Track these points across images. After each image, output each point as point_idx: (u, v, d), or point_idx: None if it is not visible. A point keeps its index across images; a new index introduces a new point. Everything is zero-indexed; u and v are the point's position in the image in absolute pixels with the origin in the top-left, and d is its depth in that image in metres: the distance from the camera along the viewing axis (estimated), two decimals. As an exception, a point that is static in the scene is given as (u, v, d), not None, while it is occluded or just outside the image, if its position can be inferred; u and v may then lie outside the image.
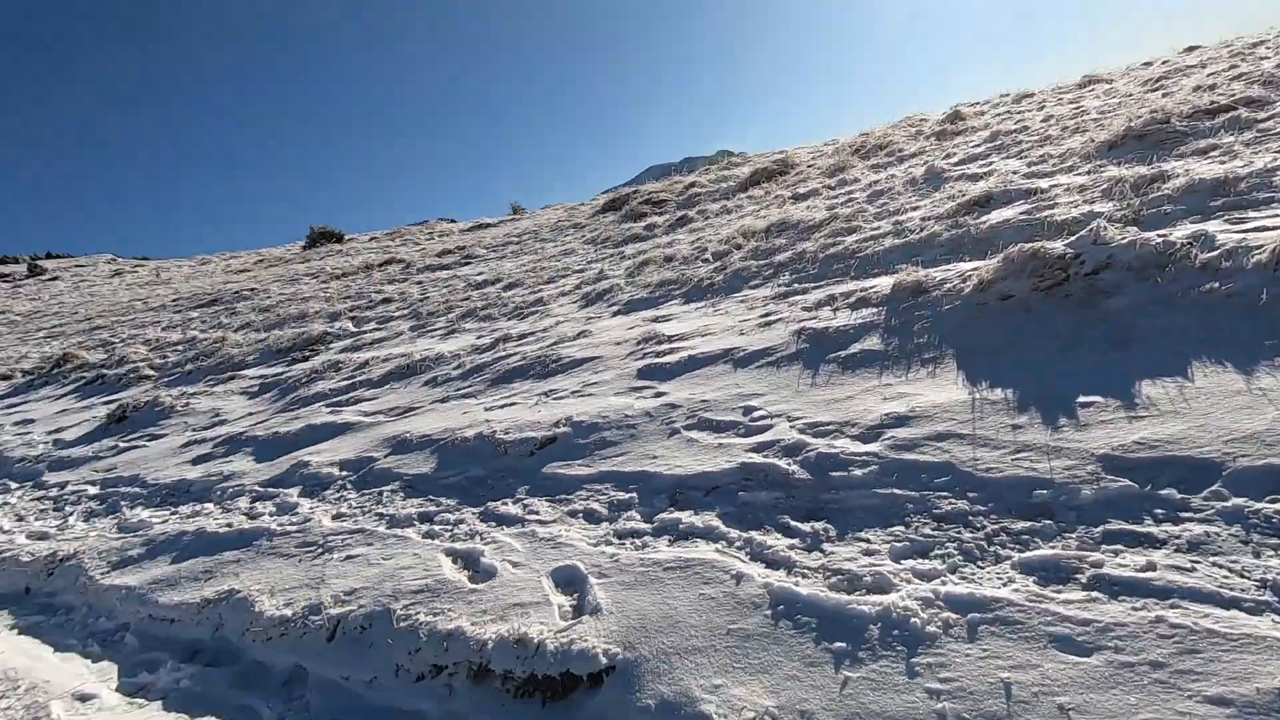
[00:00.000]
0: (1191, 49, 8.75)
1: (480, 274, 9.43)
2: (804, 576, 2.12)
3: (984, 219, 4.57)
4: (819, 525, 2.35)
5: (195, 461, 4.83)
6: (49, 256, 37.72)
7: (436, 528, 3.01)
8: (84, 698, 2.49)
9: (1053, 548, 1.95)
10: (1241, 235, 3.09)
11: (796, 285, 4.81)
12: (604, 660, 1.99)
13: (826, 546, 2.24)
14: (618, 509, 2.80)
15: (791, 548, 2.28)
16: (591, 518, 2.79)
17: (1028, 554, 1.95)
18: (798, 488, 2.58)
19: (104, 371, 8.62)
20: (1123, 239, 3.24)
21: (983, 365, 2.97)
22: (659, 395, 3.67)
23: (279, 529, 3.33)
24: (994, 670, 1.62)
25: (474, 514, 3.06)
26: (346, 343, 7.44)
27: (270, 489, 3.96)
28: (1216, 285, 2.84)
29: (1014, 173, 5.44)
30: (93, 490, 4.74)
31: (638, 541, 2.53)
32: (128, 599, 3.12)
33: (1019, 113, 8.16)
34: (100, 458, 5.43)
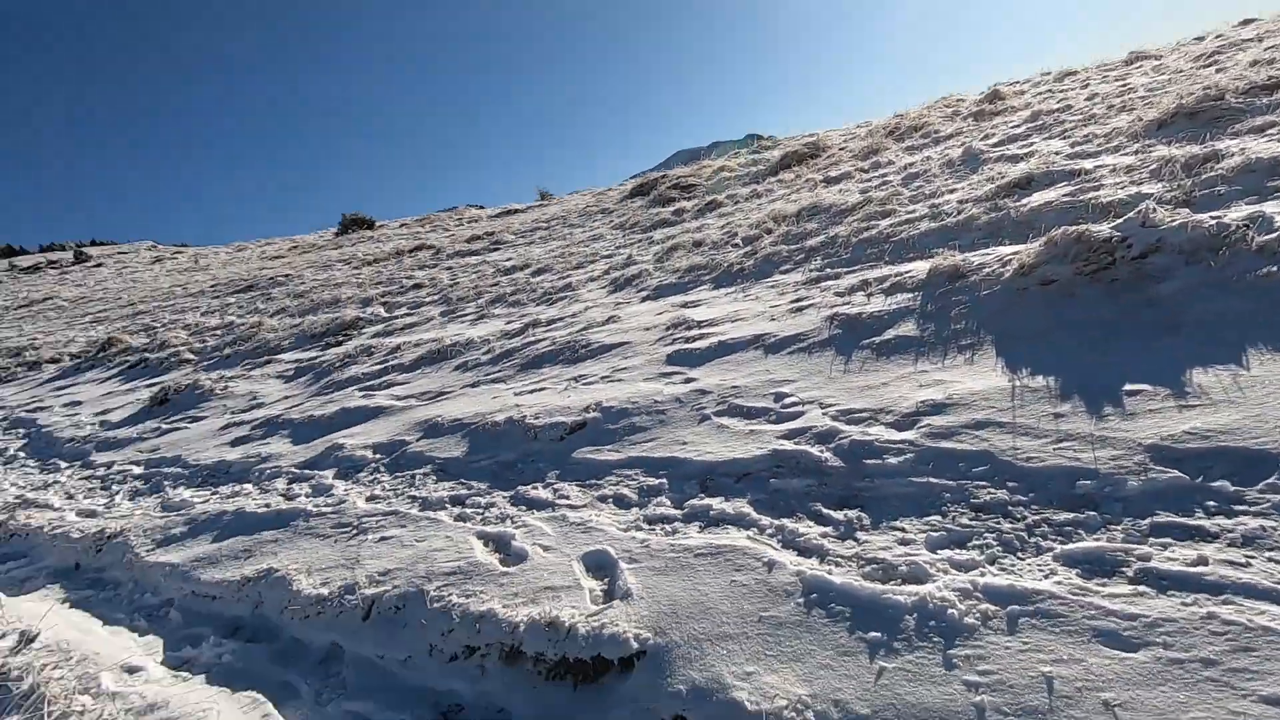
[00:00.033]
0: (1247, 22, 8.35)
1: (509, 260, 9.46)
2: (837, 565, 2.10)
3: (1024, 201, 4.43)
4: (852, 513, 2.32)
5: (234, 443, 4.95)
6: (93, 244, 38.89)
7: (468, 511, 3.05)
8: (131, 670, 2.58)
9: (1097, 540, 1.89)
10: (1302, 217, 2.95)
11: (829, 270, 4.73)
12: (635, 645, 1.99)
13: (860, 535, 2.21)
14: (648, 495, 2.79)
15: (824, 536, 2.25)
16: (621, 503, 2.79)
17: (1071, 546, 1.90)
18: (830, 475, 2.54)
19: (147, 355, 8.87)
20: (1173, 221, 3.11)
21: (1023, 352, 2.89)
22: (689, 381, 3.65)
23: (315, 510, 3.39)
24: (1035, 664, 1.58)
25: (505, 498, 3.09)
26: (378, 328, 7.54)
27: (306, 471, 4.04)
28: (1274, 269, 2.71)
29: (1056, 153, 5.26)
30: (137, 470, 4.89)
31: (668, 527, 2.53)
32: (171, 576, 3.22)
33: (1061, 91, 7.89)
34: (144, 439, 5.59)
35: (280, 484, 3.95)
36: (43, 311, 16.60)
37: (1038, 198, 4.41)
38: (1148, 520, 1.91)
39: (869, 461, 2.52)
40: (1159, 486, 2.00)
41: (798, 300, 4.32)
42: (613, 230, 9.67)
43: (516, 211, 16.70)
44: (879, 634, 1.79)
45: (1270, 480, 1.89)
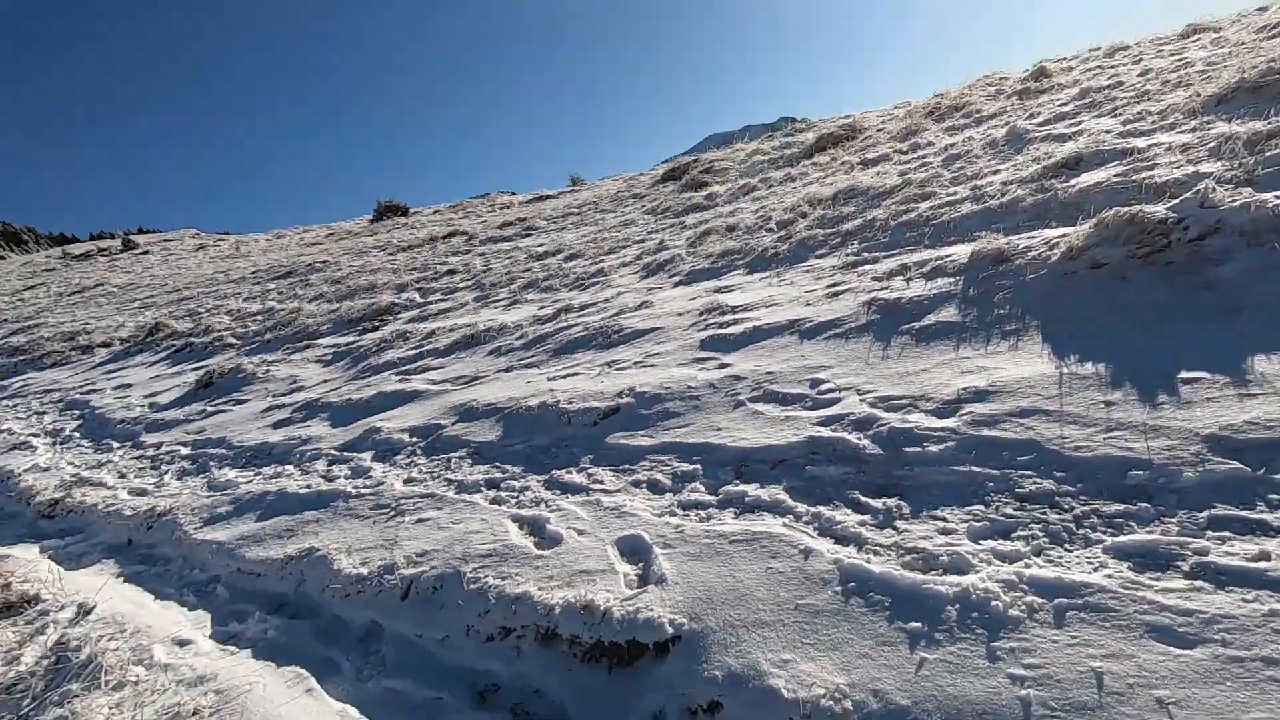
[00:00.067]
0: (1316, -10, 7.89)
1: (541, 245, 9.49)
2: (876, 554, 2.06)
3: (1073, 182, 4.27)
4: (891, 502, 2.27)
5: (276, 426, 5.07)
6: (140, 232, 40.11)
7: (503, 494, 3.07)
8: (182, 643, 2.67)
9: (1150, 533, 1.83)
10: (1377, 195, 2.79)
11: (866, 254, 4.63)
12: (670, 630, 1.99)
13: (899, 524, 2.17)
14: (681, 480, 2.78)
15: (862, 524, 2.21)
16: (655, 488, 2.79)
17: (1122, 538, 1.84)
18: (868, 463, 2.50)
19: (192, 340, 9.13)
20: (1234, 201, 2.97)
21: (1071, 338, 2.80)
22: (723, 367, 3.62)
23: (354, 491, 3.46)
24: (1084, 659, 1.54)
25: (539, 482, 3.10)
26: (413, 313, 7.63)
27: (345, 453, 4.12)
28: (1345, 251, 2.57)
29: (1107, 132, 5.06)
30: (184, 451, 5.05)
31: (702, 513, 2.52)
32: (218, 553, 3.32)
33: (1112, 68, 7.57)
34: (190, 420, 5.77)
35: (320, 465, 4.04)
36: (94, 297, 17.20)
37: (1087, 178, 4.25)
38: (1205, 513, 1.83)
39: (909, 449, 2.47)
40: (1217, 478, 1.92)
41: (834, 285, 4.24)
42: (644, 215, 9.61)
43: (548, 197, 16.72)
44: (919, 624, 1.76)
45: (1339, 473, 1.80)
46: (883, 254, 4.51)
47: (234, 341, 8.59)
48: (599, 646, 2.10)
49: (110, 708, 2.21)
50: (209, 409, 5.96)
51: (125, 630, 2.72)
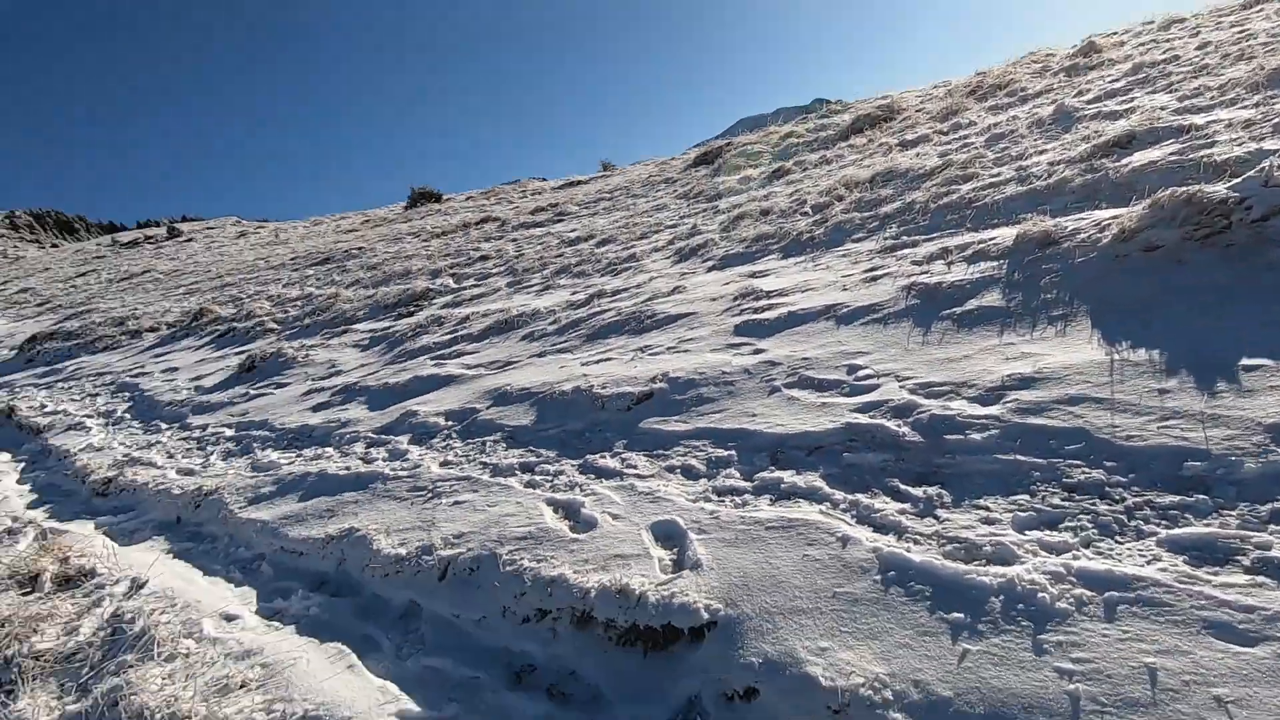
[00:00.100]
0: (1393, -46, 7.42)
1: (573, 231, 9.49)
2: (916, 543, 2.02)
3: (1125, 161, 4.11)
4: (932, 490, 2.23)
5: (315, 409, 5.18)
6: (184, 220, 41.24)
7: (537, 478, 3.10)
8: (229, 617, 2.76)
9: (1208, 525, 1.76)
10: None
11: (905, 238, 4.53)
12: (705, 615, 1.98)
13: (940, 513, 2.13)
14: (716, 466, 2.76)
15: (902, 512, 2.17)
16: (690, 474, 2.78)
17: (1177, 531, 1.77)
18: (908, 450, 2.45)
19: (234, 325, 9.37)
20: (1302, 179, 2.81)
21: (1123, 323, 2.70)
22: (757, 352, 3.58)
23: (392, 473, 3.52)
24: (1136, 654, 1.49)
25: (573, 466, 3.12)
26: (448, 299, 7.71)
27: (383, 436, 4.19)
28: None
29: (1162, 109, 4.85)
30: (229, 432, 5.19)
31: (737, 499, 2.50)
32: (262, 532, 3.41)
33: (1166, 41, 7.24)
34: (234, 403, 5.92)
35: (359, 448, 4.11)
36: (141, 284, 17.76)
37: (1140, 157, 4.08)
38: (1267, 506, 1.76)
39: (950, 437, 2.41)
40: (1281, 470, 1.83)
41: (872, 269, 4.16)
42: (676, 200, 9.54)
43: (579, 183, 16.70)
44: (961, 615, 1.73)
45: None
46: (922, 237, 4.41)
47: (274, 326, 8.79)
48: (634, 630, 2.10)
49: (163, 678, 2.29)
50: (251, 392, 6.12)
51: (176, 604, 2.82)
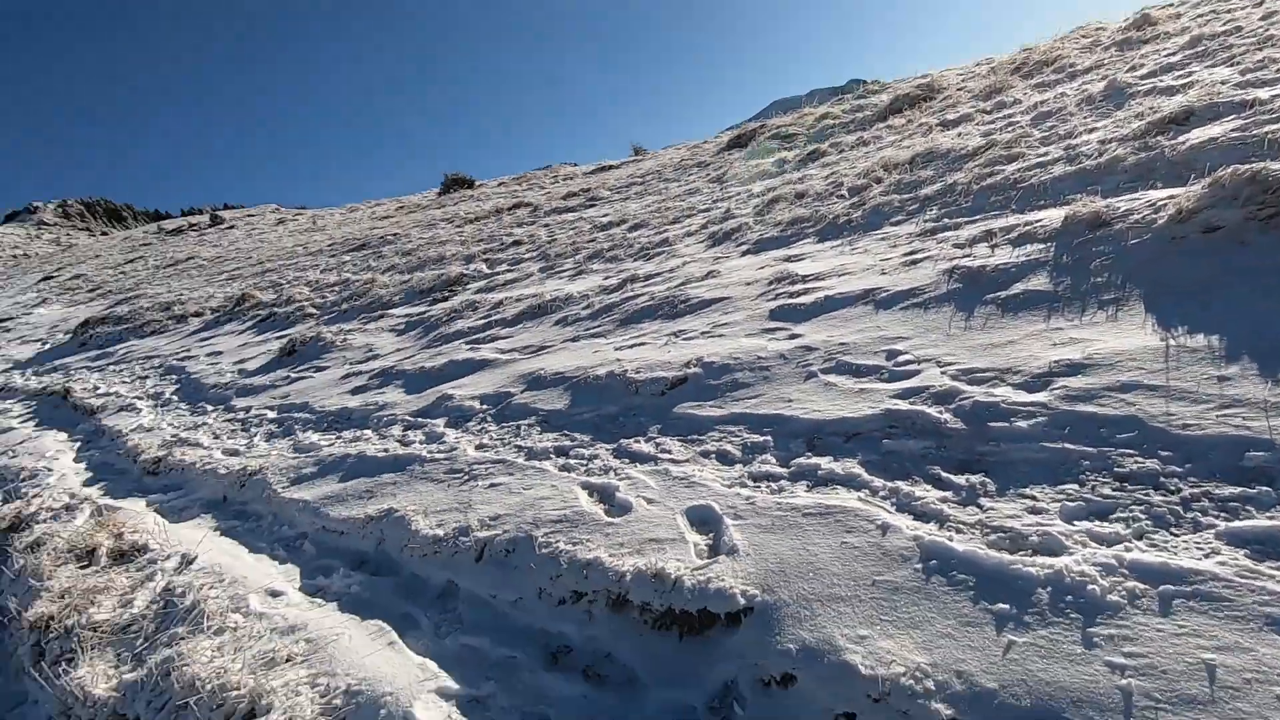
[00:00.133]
0: None
1: (605, 215, 9.46)
2: (958, 531, 1.98)
3: (1182, 139, 3.93)
4: (975, 478, 2.17)
5: (354, 392, 5.28)
6: (226, 208, 42.26)
7: (572, 461, 3.11)
8: (274, 593, 2.84)
9: (1271, 518, 1.68)
10: None
11: (946, 220, 4.41)
12: (742, 601, 1.97)
13: (984, 502, 2.07)
14: (751, 451, 2.74)
15: (944, 500, 2.13)
16: (725, 459, 2.76)
17: (1238, 524, 1.70)
18: (950, 438, 2.39)
19: (275, 310, 9.59)
20: (1379, 155, 2.66)
21: (1179, 307, 2.59)
22: (793, 337, 3.53)
23: (429, 456, 3.57)
24: (1193, 650, 1.44)
25: (607, 450, 3.12)
26: (481, 284, 7.77)
27: (419, 419, 4.25)
28: None
29: (1222, 83, 4.61)
30: (271, 414, 5.32)
31: (773, 485, 2.47)
32: (304, 511, 3.49)
33: (1228, 11, 6.88)
34: (276, 386, 6.07)
35: (396, 431, 4.18)
36: (186, 270, 18.27)
37: (1198, 134, 3.89)
38: (1337, 499, 1.67)
39: (994, 424, 2.35)
40: (1352, 461, 1.74)
41: (911, 253, 4.06)
42: (709, 184, 9.44)
43: (611, 168, 16.64)
44: (1007, 606, 1.69)
45: None
46: (965, 220, 4.28)
47: (313, 311, 8.97)
48: (670, 614, 2.11)
49: (213, 651, 2.37)
50: (292, 375, 6.26)
51: (223, 580, 2.91)
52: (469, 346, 5.51)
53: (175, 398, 6.71)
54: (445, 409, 4.26)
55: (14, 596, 3.22)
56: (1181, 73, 5.37)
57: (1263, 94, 4.08)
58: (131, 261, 23.25)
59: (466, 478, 3.23)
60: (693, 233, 6.86)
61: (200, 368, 7.59)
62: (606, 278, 6.20)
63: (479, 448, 3.54)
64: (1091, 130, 4.83)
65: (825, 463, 2.48)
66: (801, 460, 2.55)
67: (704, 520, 2.41)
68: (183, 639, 2.47)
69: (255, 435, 4.95)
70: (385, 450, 3.85)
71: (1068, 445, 2.15)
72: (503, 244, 9.65)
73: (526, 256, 8.48)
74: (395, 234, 14.23)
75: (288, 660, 2.29)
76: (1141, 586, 1.61)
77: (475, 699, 2.07)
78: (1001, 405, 2.41)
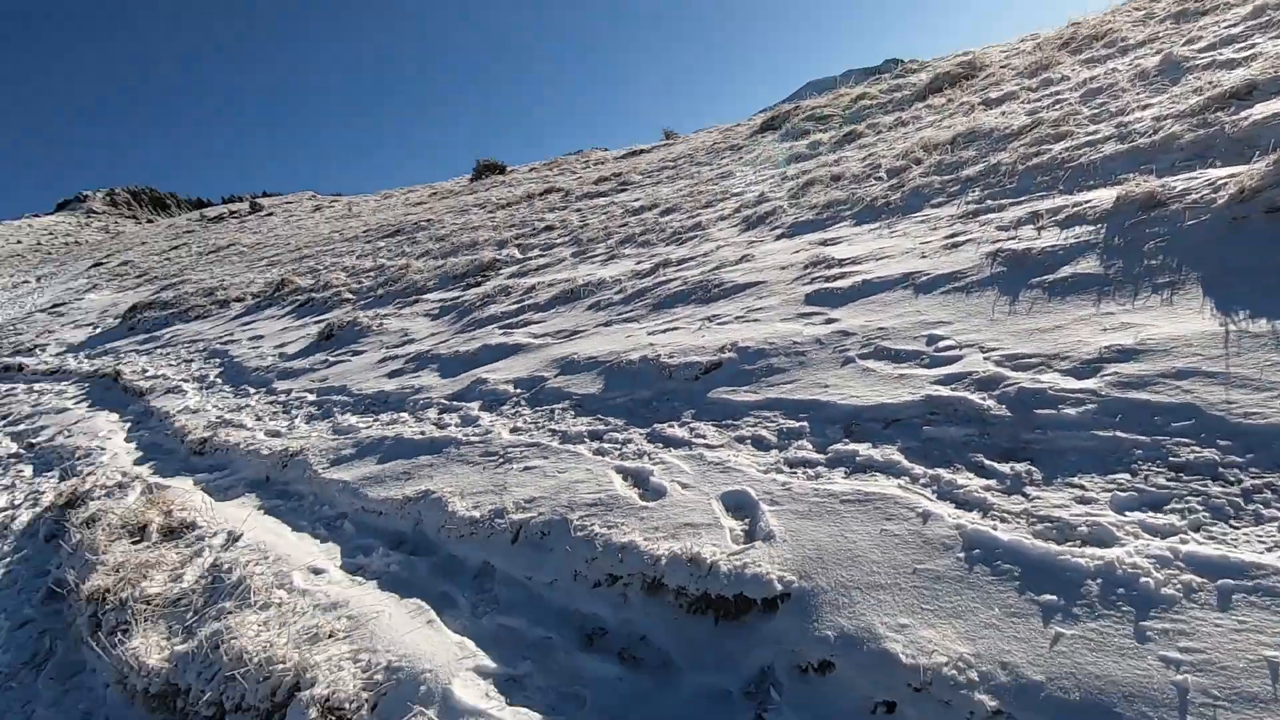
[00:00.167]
0: None
1: (637, 200, 9.42)
2: (1003, 520, 1.93)
3: (1244, 114, 3.74)
4: (1020, 467, 2.12)
5: (390, 375, 5.36)
6: (265, 195, 43.14)
7: (606, 445, 3.11)
8: (316, 571, 2.91)
9: (1340, 511, 1.60)
10: None
11: (990, 202, 4.28)
12: (779, 587, 1.96)
13: (1030, 490, 2.02)
14: (787, 437, 2.71)
15: (987, 489, 2.08)
16: (760, 444, 2.73)
17: (1304, 516, 1.62)
18: (994, 425, 2.33)
19: (313, 295, 9.77)
20: None
21: (1240, 291, 2.47)
22: (830, 322, 3.47)
23: (464, 439, 3.61)
24: (1254, 646, 1.38)
25: (641, 434, 3.12)
26: (514, 269, 7.81)
27: (454, 402, 4.30)
28: None
29: (1288, 55, 4.38)
30: (311, 397, 5.44)
31: (810, 471, 2.44)
32: (344, 491, 3.57)
33: (1295, -21, 6.52)
34: (315, 369, 6.20)
35: (432, 414, 4.24)
36: (228, 256, 18.73)
37: (1262, 109, 3.70)
38: None
39: (1041, 411, 2.28)
40: None
41: (953, 235, 3.95)
42: (743, 167, 9.32)
43: (642, 152, 16.53)
44: (1054, 597, 1.64)
45: None
46: (1009, 201, 4.15)
47: (350, 296, 9.12)
48: (705, 599, 2.10)
49: (259, 625, 2.44)
50: (330, 359, 6.38)
51: (267, 557, 2.99)
52: (502, 331, 5.55)
53: (219, 380, 6.90)
54: (479, 393, 4.30)
55: (72, 569, 3.35)
56: (1244, 44, 5.11)
57: (1333, 66, 3.86)
58: (176, 248, 23.91)
59: (501, 460, 3.26)
60: (725, 216, 6.79)
61: (242, 351, 7.78)
62: (639, 262, 6.17)
63: (513, 431, 3.57)
64: (1145, 106, 4.63)
65: (864, 449, 2.44)
66: (839, 446, 2.51)
67: (739, 506, 2.39)
68: (230, 613, 2.55)
69: (296, 417, 5.07)
70: (421, 433, 3.90)
71: (1119, 434, 2.07)
72: (535, 229, 9.67)
73: (558, 241, 8.49)
74: (429, 220, 14.37)
75: (330, 636, 2.34)
76: (1199, 580, 1.55)
77: (512, 678, 2.10)
78: (1049, 392, 2.34)
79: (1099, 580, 1.63)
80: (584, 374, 4.00)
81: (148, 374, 7.82)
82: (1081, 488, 1.96)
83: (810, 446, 2.59)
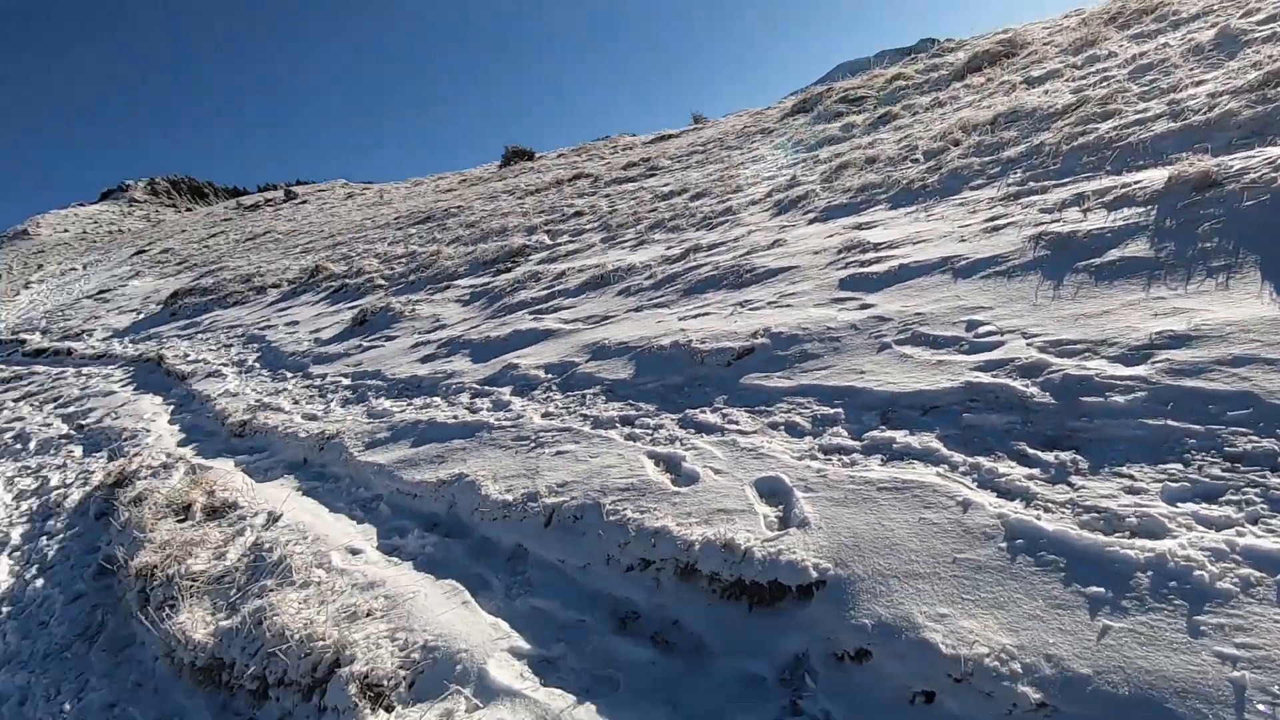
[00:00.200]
0: None
1: (666, 185, 9.35)
2: (1047, 510, 1.88)
3: (1307, 89, 3.56)
4: (1065, 455, 2.06)
5: (423, 360, 5.42)
6: (299, 183, 43.83)
7: (637, 431, 3.11)
8: (354, 551, 2.97)
9: None
10: None
11: (1032, 184, 4.15)
12: (814, 574, 1.94)
13: (1075, 480, 1.96)
14: (822, 424, 2.67)
15: (1030, 478, 2.03)
16: (794, 431, 2.70)
17: (1372, 510, 1.55)
18: (1037, 412, 2.27)
19: (346, 281, 9.92)
20: None
21: (1302, 275, 2.36)
22: (865, 307, 3.41)
23: (496, 423, 3.64)
24: (1317, 643, 1.33)
25: (673, 420, 3.11)
26: (543, 254, 7.82)
27: (486, 387, 4.34)
28: None
29: (1356, 26, 4.15)
30: (346, 382, 5.53)
31: (845, 458, 2.41)
32: (379, 474, 3.63)
33: (1364, -54, 6.17)
34: (349, 354, 6.30)
35: (465, 398, 4.28)
36: (264, 243, 19.11)
37: (1327, 84, 3.52)
38: None
39: (1087, 399, 2.21)
40: None
41: (993, 218, 3.84)
42: (774, 151, 9.19)
43: (670, 137, 16.39)
44: (1101, 589, 1.60)
45: None
46: (1053, 183, 4.02)
47: (382, 283, 9.23)
48: (739, 585, 2.09)
49: (299, 603, 2.50)
50: (364, 344, 6.48)
51: (307, 537, 3.06)
52: (533, 316, 5.57)
53: (257, 365, 7.05)
54: (511, 378, 4.33)
55: (121, 546, 3.47)
56: (1307, 16, 4.86)
57: (1407, 36, 3.65)
58: (214, 236, 24.45)
59: (534, 445, 3.28)
60: (757, 201, 6.70)
61: (279, 336, 7.94)
62: (669, 247, 6.13)
63: (545, 416, 3.58)
64: (1199, 83, 4.44)
65: (901, 436, 2.40)
66: (875, 433, 2.47)
67: (773, 492, 2.37)
68: (272, 591, 2.62)
69: (332, 401, 5.16)
70: (454, 417, 3.95)
71: (1170, 422, 2.00)
72: (564, 215, 9.67)
73: (588, 227, 8.48)
74: (459, 206, 14.47)
75: (368, 615, 2.39)
76: (1257, 574, 1.49)
77: (546, 659, 2.12)
78: (1095, 379, 2.26)
79: (1149, 573, 1.58)
80: (615, 359, 3.99)
81: (189, 358, 8.03)
82: (1130, 478, 1.90)
83: (845, 433, 2.56)
